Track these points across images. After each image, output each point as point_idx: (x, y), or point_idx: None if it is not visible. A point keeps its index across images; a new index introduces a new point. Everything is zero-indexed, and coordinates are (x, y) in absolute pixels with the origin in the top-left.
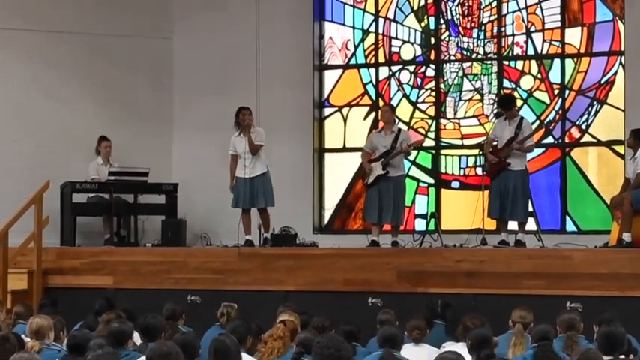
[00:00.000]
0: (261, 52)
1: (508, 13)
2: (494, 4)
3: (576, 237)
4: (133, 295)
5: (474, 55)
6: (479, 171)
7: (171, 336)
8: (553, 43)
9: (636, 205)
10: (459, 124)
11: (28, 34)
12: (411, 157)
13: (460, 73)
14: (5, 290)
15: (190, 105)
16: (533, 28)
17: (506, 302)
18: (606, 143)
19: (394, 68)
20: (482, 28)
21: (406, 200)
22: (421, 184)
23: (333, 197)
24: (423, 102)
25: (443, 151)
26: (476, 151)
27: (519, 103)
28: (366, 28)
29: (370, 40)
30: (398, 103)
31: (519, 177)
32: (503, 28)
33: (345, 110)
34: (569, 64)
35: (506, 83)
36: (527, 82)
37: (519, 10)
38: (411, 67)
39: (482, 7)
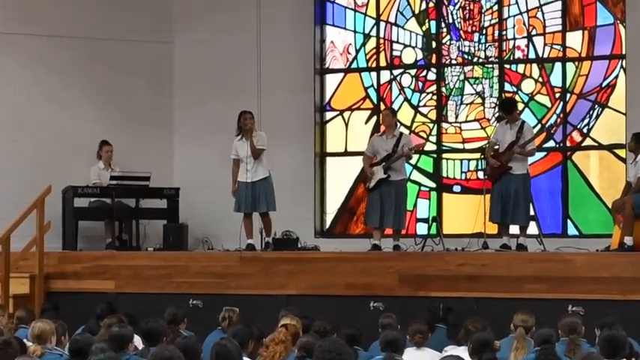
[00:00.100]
0: (262, 56)
1: (509, 16)
2: (496, 7)
3: (578, 241)
4: (134, 299)
5: (475, 59)
6: (480, 175)
7: (173, 340)
8: (554, 46)
9: (638, 209)
10: (460, 127)
11: (29, 38)
12: (413, 161)
13: (461, 77)
14: (7, 295)
15: (191, 109)
16: (534, 32)
17: (507, 306)
18: (608, 147)
19: (395, 72)
20: (484, 31)
21: (408, 204)
22: (423, 188)
23: (334, 201)
24: (425, 106)
25: (444, 155)
26: (477, 155)
27: (521, 106)
28: (367, 32)
29: (371, 44)
30: (399, 107)
31: (521, 181)
32: (504, 32)
33: (346, 114)
34: (571, 67)
35: (507, 87)
36: (528, 85)
37: (520, 13)
38: (413, 71)
39: (483, 10)
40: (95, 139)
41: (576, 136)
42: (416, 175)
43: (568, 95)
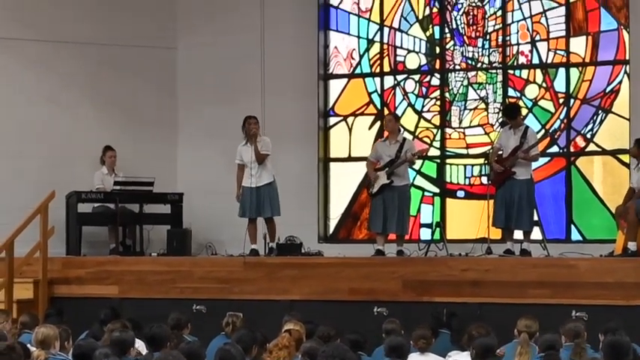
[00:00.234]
0: (266, 61)
1: (513, 22)
2: (499, 13)
3: (582, 246)
4: (138, 304)
5: (478, 64)
6: (484, 180)
7: (177, 345)
8: (558, 52)
9: None
10: (464, 133)
11: (33, 43)
12: (416, 167)
13: (465, 82)
14: (11, 300)
15: (195, 115)
16: (538, 37)
17: (511, 311)
18: (611, 152)
19: (399, 77)
20: (487, 37)
21: (411, 209)
22: (426, 194)
23: (338, 206)
24: (428, 111)
25: (448, 161)
26: (481, 160)
27: (524, 112)
28: (371, 37)
29: (375, 49)
30: (403, 113)
31: (525, 186)
32: (508, 37)
33: (350, 119)
34: (574, 73)
35: (511, 92)
36: (532, 91)
37: (524, 19)
38: (416, 77)
39: (487, 16)
40: (99, 145)
41: (580, 142)
42: (420, 181)
43: (572, 101)
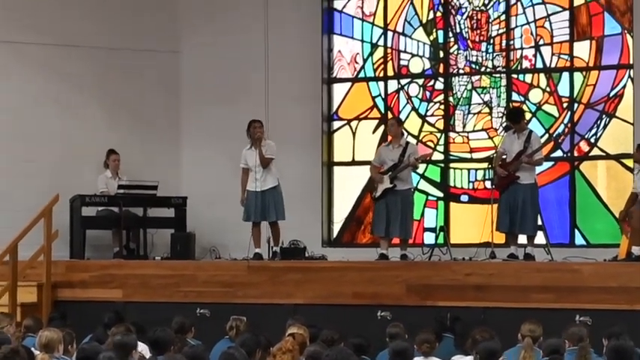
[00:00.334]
0: (269, 65)
1: (517, 26)
2: (503, 17)
3: (585, 250)
4: (142, 308)
5: (482, 69)
6: (488, 184)
7: (181, 349)
8: (562, 56)
9: None
10: (467, 137)
11: (39, 47)
12: (420, 171)
13: (469, 87)
14: (15, 303)
15: (199, 118)
16: (542, 42)
17: (515, 316)
18: (615, 157)
19: (403, 81)
20: (491, 41)
21: (414, 213)
22: (430, 198)
23: (342, 210)
24: (432, 115)
25: (452, 165)
26: (485, 165)
27: (528, 116)
28: (374, 41)
29: (379, 53)
30: (407, 117)
31: (528, 190)
32: (512, 42)
33: (353, 123)
34: (578, 77)
35: (515, 96)
36: (536, 95)
37: (528, 23)
38: (420, 81)
39: (491, 20)
40: (102, 148)
41: (584, 146)
42: (423, 185)
43: (575, 105)
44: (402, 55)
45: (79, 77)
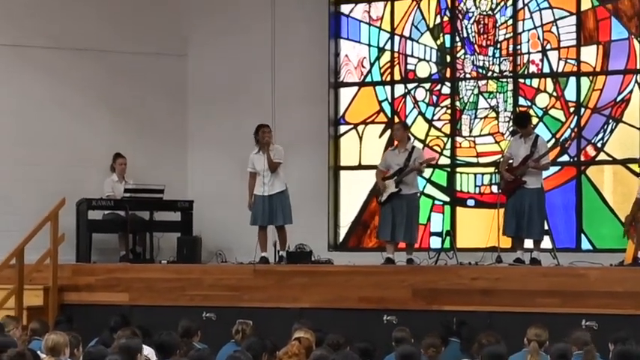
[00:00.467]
0: (276, 69)
1: (524, 31)
2: (510, 22)
3: (592, 255)
4: (148, 312)
5: (489, 73)
6: (494, 189)
7: (187, 353)
8: (569, 61)
9: None
10: (474, 141)
11: (45, 51)
12: (426, 175)
13: (476, 91)
14: (21, 307)
15: (206, 122)
16: (548, 46)
17: (521, 320)
18: (622, 161)
19: (410, 86)
20: (498, 46)
21: (420, 218)
22: (436, 202)
23: (348, 215)
24: (439, 120)
25: (458, 169)
26: (491, 169)
27: (535, 121)
28: (381, 45)
29: (386, 57)
30: (413, 121)
31: (535, 195)
32: (518, 46)
33: (360, 128)
34: (585, 82)
35: (521, 101)
36: (542, 100)
37: (535, 28)
38: (427, 85)
39: (497, 25)
40: (109, 152)
41: (590, 151)
42: (430, 189)
43: (582, 110)
44: (409, 60)
45: (86, 81)
